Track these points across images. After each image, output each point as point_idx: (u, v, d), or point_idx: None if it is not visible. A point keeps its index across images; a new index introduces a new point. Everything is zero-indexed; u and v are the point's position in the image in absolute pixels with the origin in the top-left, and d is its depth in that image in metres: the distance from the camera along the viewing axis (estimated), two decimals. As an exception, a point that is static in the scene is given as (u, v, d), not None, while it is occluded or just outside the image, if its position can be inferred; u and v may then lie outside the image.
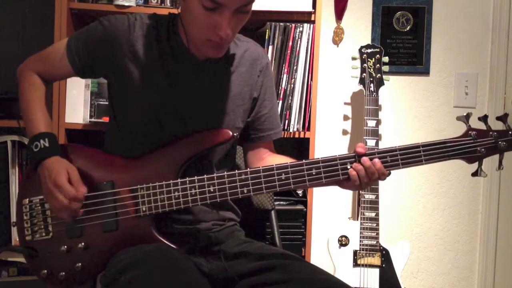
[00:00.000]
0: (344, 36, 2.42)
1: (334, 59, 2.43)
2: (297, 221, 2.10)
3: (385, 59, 2.20)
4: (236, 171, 1.31)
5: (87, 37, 1.42)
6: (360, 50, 2.20)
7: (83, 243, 1.34)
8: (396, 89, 2.46)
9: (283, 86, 2.05)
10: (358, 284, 2.10)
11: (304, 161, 1.30)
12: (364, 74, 2.18)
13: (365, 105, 2.14)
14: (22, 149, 2.05)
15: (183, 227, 1.42)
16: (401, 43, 2.43)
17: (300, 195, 2.15)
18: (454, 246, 2.52)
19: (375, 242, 2.11)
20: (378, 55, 2.19)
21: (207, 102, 1.42)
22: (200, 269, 1.36)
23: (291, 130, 2.06)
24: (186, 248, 1.40)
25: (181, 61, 1.40)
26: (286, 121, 2.05)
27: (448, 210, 2.51)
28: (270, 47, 2.05)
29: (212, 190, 1.30)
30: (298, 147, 2.33)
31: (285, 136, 2.05)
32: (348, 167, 1.29)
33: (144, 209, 1.32)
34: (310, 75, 2.06)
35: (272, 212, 1.89)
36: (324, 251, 2.23)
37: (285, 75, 2.05)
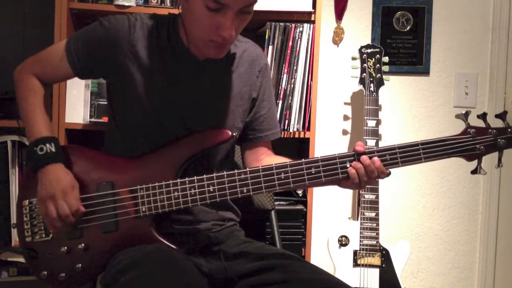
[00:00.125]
0: (344, 36, 2.42)
1: (334, 59, 2.43)
2: (297, 221, 2.10)
3: (385, 59, 2.20)
4: (236, 171, 1.30)
5: (87, 38, 1.41)
6: (360, 50, 2.20)
7: (83, 244, 1.34)
8: (396, 89, 2.46)
9: (283, 86, 2.05)
10: (358, 284, 2.10)
11: (303, 160, 1.30)
12: (364, 74, 2.18)
13: (365, 105, 2.14)
14: (22, 149, 2.05)
15: (183, 227, 1.42)
16: (401, 43, 2.43)
17: (300, 195, 2.15)
18: (454, 246, 2.52)
19: (375, 242, 2.11)
20: (378, 55, 2.19)
21: (207, 102, 1.42)
22: (200, 269, 1.36)
23: (291, 130, 2.06)
24: (186, 248, 1.40)
25: (181, 61, 1.40)
26: (286, 121, 2.05)
27: (448, 210, 2.51)
28: (270, 47, 2.05)
29: (211, 190, 1.30)
30: (298, 147, 2.33)
31: (285, 136, 2.05)
32: (348, 166, 1.29)
33: (144, 209, 1.32)
34: (310, 75, 2.06)
35: (272, 212, 1.89)
36: (324, 251, 2.23)
37: (285, 75, 2.05)
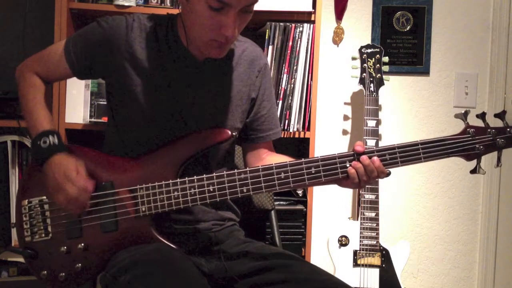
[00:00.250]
0: (344, 36, 2.42)
1: (334, 59, 2.43)
2: (297, 221, 2.10)
3: (385, 59, 2.20)
4: (236, 171, 1.30)
5: (85, 39, 1.42)
6: (360, 50, 2.20)
7: (82, 244, 1.34)
8: (396, 89, 2.46)
9: (283, 86, 2.05)
10: (358, 284, 2.10)
11: (303, 160, 1.30)
12: (364, 74, 2.18)
13: (365, 105, 2.14)
14: (22, 149, 2.05)
15: (183, 227, 1.42)
16: (401, 43, 2.43)
17: (300, 195, 2.15)
18: (454, 246, 2.52)
19: (375, 242, 2.11)
20: (378, 55, 2.19)
21: (206, 103, 1.42)
22: (200, 269, 1.36)
23: (291, 130, 2.06)
24: (186, 248, 1.40)
25: (180, 62, 1.40)
26: (286, 121, 2.05)
27: (448, 210, 2.51)
28: (270, 47, 2.05)
29: (211, 190, 1.30)
30: (298, 147, 2.33)
31: (285, 136, 2.05)
32: (347, 165, 1.29)
33: (143, 209, 1.32)
34: (310, 75, 2.06)
35: (272, 212, 1.89)
36: (324, 251, 2.23)
37: (285, 75, 2.05)
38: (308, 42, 2.05)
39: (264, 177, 1.29)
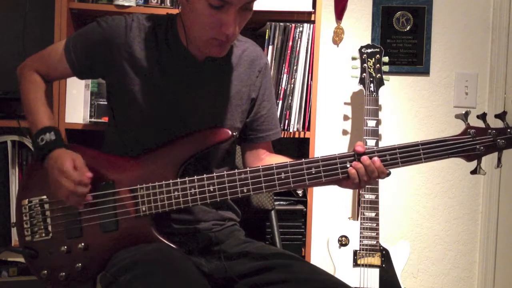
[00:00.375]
0: (344, 36, 2.42)
1: (334, 59, 2.43)
2: (297, 221, 2.10)
3: (385, 59, 2.20)
4: (236, 171, 1.30)
5: (85, 39, 1.42)
6: (360, 50, 2.20)
7: (83, 243, 1.34)
8: (396, 89, 2.46)
9: (283, 86, 2.05)
10: (358, 284, 2.10)
11: (303, 160, 1.30)
12: (364, 74, 2.18)
13: (365, 105, 2.14)
14: (22, 149, 2.05)
15: (183, 227, 1.42)
16: (401, 43, 2.43)
17: (300, 195, 2.15)
18: (454, 246, 2.52)
19: (375, 242, 2.11)
20: (378, 55, 2.19)
21: (206, 102, 1.42)
22: (200, 269, 1.36)
23: (291, 130, 2.06)
24: (186, 248, 1.40)
25: (180, 61, 1.40)
26: (286, 121, 2.05)
27: (448, 210, 2.51)
28: (270, 47, 2.05)
29: (211, 190, 1.30)
30: (298, 147, 2.33)
31: (285, 136, 2.05)
32: (348, 166, 1.29)
33: (144, 209, 1.32)
34: (310, 75, 2.06)
35: (272, 212, 1.89)
36: (324, 251, 2.23)
37: (285, 75, 2.05)
38: (308, 42, 2.05)
39: (265, 177, 1.29)
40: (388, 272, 2.11)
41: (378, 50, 2.19)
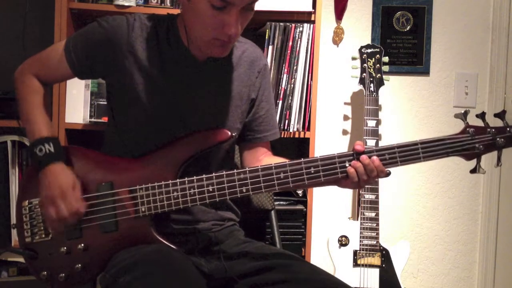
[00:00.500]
0: (344, 36, 2.42)
1: (334, 59, 2.43)
2: (297, 221, 2.10)
3: (385, 59, 2.20)
4: (235, 171, 1.30)
5: (86, 39, 1.41)
6: (360, 50, 2.20)
7: (82, 244, 1.34)
8: (396, 89, 2.46)
9: (283, 86, 2.05)
10: (358, 284, 2.10)
11: (302, 160, 1.30)
12: (364, 74, 2.18)
13: (365, 105, 2.14)
14: (22, 149, 2.05)
15: (183, 227, 1.42)
16: (401, 43, 2.43)
17: (300, 195, 2.15)
18: (454, 246, 2.52)
19: (375, 242, 2.11)
20: (378, 55, 2.19)
21: (206, 103, 1.42)
22: (199, 269, 1.36)
23: (291, 130, 2.06)
24: (186, 248, 1.40)
25: (181, 62, 1.40)
26: (286, 121, 2.05)
27: (448, 210, 2.51)
28: (270, 47, 2.05)
29: (211, 190, 1.30)
30: (298, 147, 2.33)
31: (285, 136, 2.05)
32: (347, 165, 1.28)
33: (143, 209, 1.32)
34: (310, 75, 2.06)
35: (272, 212, 1.89)
36: (324, 251, 2.23)
37: (285, 75, 2.05)
38: (308, 42, 2.05)
39: (264, 177, 1.29)
40: (388, 272, 2.11)
41: (378, 50, 2.19)
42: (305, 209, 2.09)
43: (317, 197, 2.37)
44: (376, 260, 2.11)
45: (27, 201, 1.40)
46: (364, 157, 1.27)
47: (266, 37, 2.05)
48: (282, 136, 2.00)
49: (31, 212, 1.39)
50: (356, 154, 1.29)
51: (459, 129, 1.32)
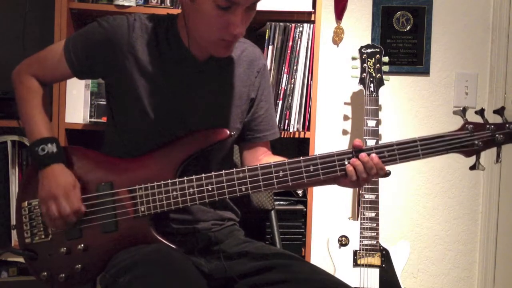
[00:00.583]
0: (344, 36, 2.42)
1: (334, 59, 2.43)
2: (297, 221, 2.10)
3: (385, 59, 2.20)
4: (234, 170, 1.30)
5: (86, 39, 1.41)
6: (360, 50, 2.20)
7: (82, 245, 1.34)
8: (396, 89, 2.46)
9: (283, 86, 2.05)
10: (358, 284, 2.10)
11: (301, 158, 1.29)
12: (364, 74, 2.18)
13: (365, 105, 2.14)
14: (22, 149, 2.05)
15: (182, 227, 1.42)
16: (401, 43, 2.43)
17: (300, 195, 2.15)
18: (454, 246, 2.52)
19: (375, 242, 2.11)
20: (378, 55, 2.19)
21: (206, 103, 1.42)
22: (199, 269, 1.36)
23: (291, 130, 2.06)
24: (186, 248, 1.40)
25: (181, 62, 1.40)
26: (286, 121, 2.05)
27: (448, 210, 2.51)
28: (270, 47, 2.05)
29: (210, 189, 1.30)
30: (298, 147, 2.33)
31: (285, 136, 2.05)
32: (346, 163, 1.28)
33: (142, 209, 1.32)
34: (310, 75, 2.06)
35: (272, 212, 1.89)
36: (324, 251, 2.23)
37: (285, 75, 2.05)
38: (308, 42, 2.05)
39: (263, 176, 1.29)
40: (388, 272, 2.11)
41: (378, 50, 2.19)
42: (305, 209, 2.09)
43: (317, 197, 2.37)
44: (376, 260, 2.11)
45: (27, 201, 1.40)
46: (363, 154, 1.27)
47: (266, 37, 2.05)
48: (282, 136, 2.00)
49: (30, 212, 1.39)
50: (355, 152, 1.28)
51: (459, 128, 1.32)
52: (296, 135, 2.07)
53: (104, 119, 2.00)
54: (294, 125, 2.06)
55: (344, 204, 2.46)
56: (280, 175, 1.29)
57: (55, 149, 1.36)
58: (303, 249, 2.09)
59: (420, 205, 2.50)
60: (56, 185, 1.32)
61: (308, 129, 2.07)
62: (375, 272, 2.11)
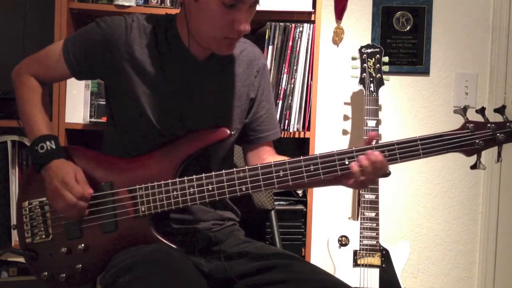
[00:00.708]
0: (344, 36, 2.42)
1: (334, 59, 2.43)
2: (297, 221, 2.10)
3: (385, 59, 2.20)
4: (234, 169, 1.30)
5: (84, 39, 1.41)
6: (360, 50, 2.20)
7: (83, 245, 1.34)
8: (396, 89, 2.46)
9: (283, 86, 2.05)
10: (358, 284, 2.10)
11: (302, 157, 1.29)
12: (364, 74, 2.18)
13: (365, 105, 2.14)
14: (22, 149, 2.05)
15: (183, 227, 1.42)
16: (401, 43, 2.43)
17: (300, 195, 2.15)
18: (454, 246, 2.52)
19: (375, 242, 2.11)
20: (378, 55, 2.19)
21: (206, 103, 1.42)
22: (199, 269, 1.36)
23: (291, 130, 2.06)
24: (186, 248, 1.40)
25: (181, 62, 1.40)
26: (286, 121, 2.05)
27: (448, 210, 2.51)
28: (270, 47, 2.05)
29: (210, 189, 1.30)
30: (298, 147, 2.33)
31: (285, 136, 2.05)
32: (346, 162, 1.28)
33: (143, 209, 1.32)
34: (310, 75, 2.06)
35: (272, 212, 1.89)
36: (324, 251, 2.23)
37: (285, 75, 2.05)
38: (308, 42, 2.05)
39: (263, 175, 1.29)
40: (388, 272, 2.11)
41: (378, 50, 2.19)
42: (305, 209, 2.09)
43: (317, 197, 2.37)
44: (376, 260, 2.11)
45: (27, 201, 1.40)
46: (370, 151, 1.26)
47: (266, 37, 2.05)
48: (282, 136, 1.99)
49: (31, 212, 1.39)
50: (355, 151, 1.28)
51: (460, 129, 1.32)
52: (296, 135, 2.07)
53: (104, 119, 2.00)
54: (294, 125, 2.06)
55: (344, 204, 2.46)
56: (281, 175, 1.29)
57: (54, 146, 1.35)
58: (303, 249, 2.09)
59: (420, 205, 2.50)
60: (57, 179, 1.31)
61: (308, 129, 2.07)
62: (375, 272, 2.11)
